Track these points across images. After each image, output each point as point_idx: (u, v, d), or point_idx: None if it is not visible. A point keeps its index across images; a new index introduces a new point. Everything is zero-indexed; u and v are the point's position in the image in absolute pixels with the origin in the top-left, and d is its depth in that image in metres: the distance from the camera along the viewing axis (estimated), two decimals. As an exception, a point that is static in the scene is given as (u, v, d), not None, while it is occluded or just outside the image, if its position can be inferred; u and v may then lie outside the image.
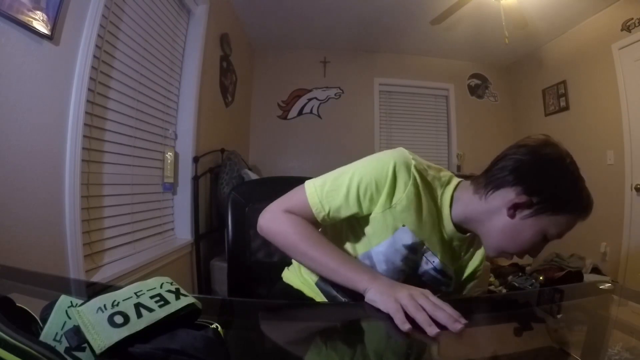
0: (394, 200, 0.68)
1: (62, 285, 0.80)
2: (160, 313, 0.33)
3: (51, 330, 0.32)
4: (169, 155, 1.94)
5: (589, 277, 2.63)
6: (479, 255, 0.81)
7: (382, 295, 0.56)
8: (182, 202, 2.09)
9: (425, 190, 0.70)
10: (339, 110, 3.81)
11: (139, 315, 0.32)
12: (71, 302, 0.34)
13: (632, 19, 2.58)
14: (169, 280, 0.38)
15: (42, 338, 0.31)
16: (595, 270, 2.79)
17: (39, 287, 0.66)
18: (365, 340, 0.55)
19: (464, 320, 0.50)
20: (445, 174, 0.76)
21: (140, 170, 1.72)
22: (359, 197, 0.67)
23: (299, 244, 0.66)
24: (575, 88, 3.20)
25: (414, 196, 0.68)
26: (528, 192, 0.65)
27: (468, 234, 0.75)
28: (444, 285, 0.76)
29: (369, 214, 0.70)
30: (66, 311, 0.33)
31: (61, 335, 0.32)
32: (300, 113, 3.83)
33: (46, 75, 1.08)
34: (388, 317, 0.52)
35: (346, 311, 0.66)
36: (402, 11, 2.96)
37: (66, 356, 0.29)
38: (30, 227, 1.03)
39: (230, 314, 0.60)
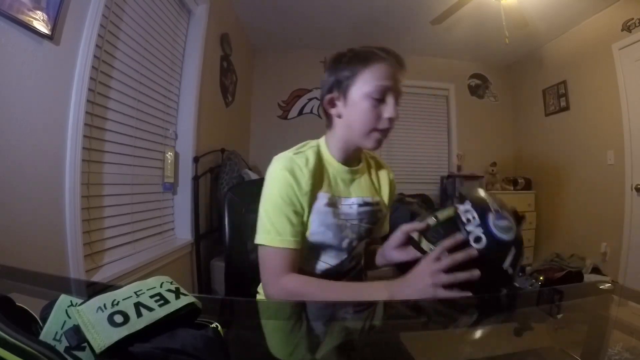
0: (304, 188, 0.77)
1: (62, 285, 0.80)
2: (160, 312, 0.33)
3: (51, 330, 0.32)
4: (169, 155, 1.94)
5: (589, 277, 2.63)
6: (384, 176, 0.93)
7: (414, 289, 0.62)
8: (182, 202, 2.09)
9: (314, 159, 0.81)
10: (339, 110, 3.81)
11: (139, 314, 0.32)
12: (71, 301, 0.34)
13: (633, 19, 2.58)
14: (169, 279, 0.38)
15: (42, 337, 0.31)
16: (596, 270, 2.79)
17: (39, 287, 0.66)
18: (365, 340, 0.55)
19: (474, 251, 0.59)
20: (309, 141, 0.88)
21: (141, 170, 1.72)
22: (292, 209, 0.76)
23: (317, 297, 0.72)
24: (575, 88, 3.20)
25: (313, 170, 0.78)
26: (329, 92, 0.81)
27: (359, 165, 0.87)
28: (379, 211, 0.87)
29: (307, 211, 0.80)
30: (66, 310, 0.33)
31: (61, 335, 0.31)
32: (300, 113, 3.83)
33: (46, 75, 1.08)
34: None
35: (346, 311, 0.66)
36: (402, 11, 2.96)
37: (66, 356, 0.29)
38: (30, 227, 1.03)
39: (230, 314, 0.60)
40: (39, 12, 1.01)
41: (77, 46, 1.19)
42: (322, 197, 0.79)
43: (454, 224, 0.65)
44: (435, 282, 0.59)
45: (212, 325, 0.36)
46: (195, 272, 2.17)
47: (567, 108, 3.28)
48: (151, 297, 0.34)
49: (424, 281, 0.61)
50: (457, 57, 4.01)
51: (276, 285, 0.74)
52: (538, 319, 0.65)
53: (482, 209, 0.64)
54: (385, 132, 0.79)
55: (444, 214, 0.69)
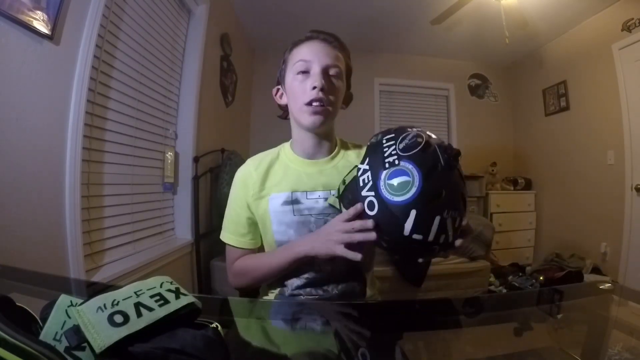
0: (251, 190, 0.83)
1: (62, 285, 0.80)
2: (160, 312, 0.33)
3: (51, 330, 0.32)
4: (169, 155, 1.94)
5: (589, 277, 2.64)
6: (351, 155, 0.90)
7: (320, 248, 0.68)
8: (182, 202, 2.09)
9: (268, 161, 0.86)
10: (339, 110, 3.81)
11: (139, 314, 0.32)
12: (71, 301, 0.34)
13: (632, 19, 2.58)
14: (169, 279, 0.38)
15: (42, 337, 0.31)
16: (596, 270, 2.79)
17: (39, 287, 0.66)
18: (365, 339, 0.55)
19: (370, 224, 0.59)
20: (276, 147, 0.93)
21: (141, 170, 1.72)
22: (242, 210, 0.85)
23: (258, 276, 0.82)
24: (575, 88, 3.20)
25: (263, 173, 0.84)
26: (276, 84, 0.89)
27: (326, 156, 0.87)
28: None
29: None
30: (66, 310, 0.33)
31: (61, 335, 0.32)
32: (300, 113, 3.82)
33: (46, 75, 1.08)
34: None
35: (346, 311, 0.66)
36: (402, 11, 2.96)
37: (66, 355, 0.29)
38: (30, 227, 1.03)
39: (230, 314, 0.60)
40: (39, 12, 1.01)
41: (77, 46, 1.19)
42: (277, 198, 0.81)
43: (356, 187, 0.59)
44: (335, 239, 0.64)
45: (212, 325, 0.36)
46: (195, 272, 2.17)
47: (567, 108, 3.28)
48: (151, 297, 0.34)
49: (328, 236, 0.66)
50: (457, 57, 4.01)
51: (230, 273, 0.85)
52: (538, 319, 0.65)
53: (375, 164, 0.55)
54: (316, 104, 0.77)
55: (348, 176, 0.65)
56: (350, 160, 0.87)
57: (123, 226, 1.56)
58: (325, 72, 0.78)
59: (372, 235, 0.58)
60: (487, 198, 3.64)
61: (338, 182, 0.79)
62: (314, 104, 0.77)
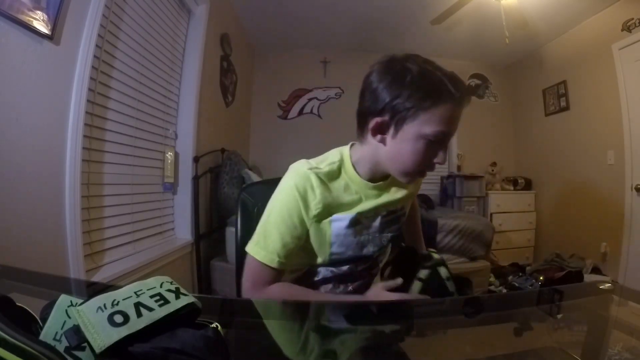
0: (313, 211, 0.73)
1: (62, 285, 0.80)
2: (160, 312, 0.33)
3: (51, 330, 0.32)
4: (169, 155, 1.94)
5: (589, 277, 2.63)
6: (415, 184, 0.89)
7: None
8: (182, 202, 2.09)
9: (330, 178, 0.75)
10: (340, 110, 3.80)
11: (139, 314, 0.32)
12: (71, 301, 0.34)
13: (632, 19, 2.58)
14: (169, 279, 0.38)
15: (42, 337, 0.31)
16: (596, 270, 2.79)
17: (39, 287, 0.66)
18: (365, 339, 0.55)
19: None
20: (335, 153, 0.81)
21: (141, 170, 1.72)
22: (290, 229, 0.73)
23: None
24: (575, 88, 3.20)
25: (326, 191, 0.74)
26: (378, 114, 0.68)
27: (387, 179, 0.80)
28: (402, 215, 0.86)
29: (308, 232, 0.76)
30: (66, 310, 0.33)
31: (61, 335, 0.32)
32: (300, 113, 3.82)
33: (46, 75, 1.08)
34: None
35: (347, 311, 0.66)
36: (402, 11, 2.96)
37: (66, 356, 0.29)
38: (30, 227, 1.03)
39: (230, 314, 0.60)
40: (39, 12, 1.01)
41: (77, 46, 1.19)
42: (342, 219, 0.75)
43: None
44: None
45: (212, 325, 0.36)
46: (195, 272, 2.17)
47: (567, 108, 3.28)
48: (151, 297, 0.34)
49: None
50: (457, 57, 4.01)
51: (256, 293, 0.73)
52: (538, 319, 0.65)
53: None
54: (425, 174, 0.76)
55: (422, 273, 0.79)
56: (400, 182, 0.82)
57: (123, 226, 1.56)
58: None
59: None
60: (487, 198, 3.64)
61: (394, 200, 0.82)
62: (424, 173, 0.74)
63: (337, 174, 0.77)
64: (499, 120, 4.13)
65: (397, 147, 0.70)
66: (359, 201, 0.77)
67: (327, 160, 0.79)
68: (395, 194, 0.82)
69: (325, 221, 0.74)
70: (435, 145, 0.69)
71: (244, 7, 2.92)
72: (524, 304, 0.75)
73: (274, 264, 0.72)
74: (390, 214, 0.82)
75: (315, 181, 0.73)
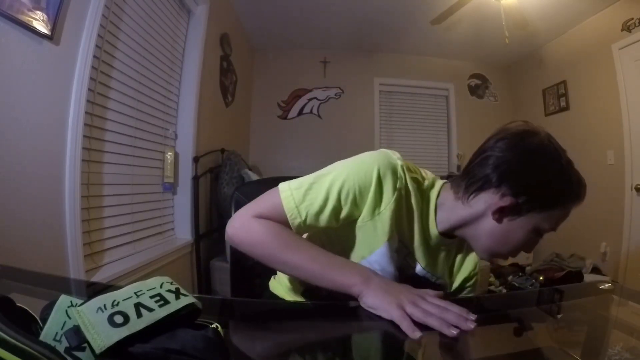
0: (382, 206, 0.63)
1: (62, 285, 0.80)
2: (160, 313, 0.33)
3: (51, 330, 0.32)
4: (169, 155, 1.94)
5: (589, 277, 2.63)
6: (471, 260, 0.76)
7: (382, 302, 0.52)
8: (182, 202, 2.09)
9: (412, 193, 0.66)
10: (339, 110, 3.80)
11: (139, 315, 0.32)
12: (71, 301, 0.34)
13: (632, 19, 2.58)
14: (169, 280, 0.38)
15: (42, 338, 0.31)
16: (595, 270, 2.79)
17: (39, 287, 0.66)
18: (366, 341, 0.55)
19: (473, 316, 0.49)
20: (429, 175, 0.72)
21: (140, 170, 1.72)
22: (341, 203, 0.62)
23: (278, 252, 0.59)
24: (575, 88, 3.20)
25: (403, 199, 0.64)
26: (513, 193, 0.60)
27: (454, 239, 0.71)
28: (437, 285, 0.72)
29: (353, 223, 0.65)
30: (66, 311, 0.33)
31: (61, 335, 0.31)
32: (300, 113, 3.82)
33: (46, 75, 1.08)
34: (391, 323, 0.50)
35: (348, 311, 0.66)
36: (402, 11, 2.96)
37: (66, 356, 0.29)
38: (30, 227, 1.03)
39: (230, 314, 0.60)
40: (38, 12, 1.01)
41: (77, 46, 1.19)
42: (388, 246, 0.65)
43: None
44: (409, 311, 0.50)
45: (212, 326, 0.36)
46: (195, 272, 2.17)
47: (567, 108, 3.28)
48: (151, 297, 0.34)
49: (399, 297, 0.52)
50: (457, 57, 4.01)
51: (246, 218, 0.61)
52: (538, 319, 0.65)
53: None
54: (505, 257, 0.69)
55: None
56: (467, 259, 0.76)
57: (123, 226, 1.56)
58: None
59: (469, 326, 0.47)
60: (487, 198, 3.64)
61: (440, 268, 0.72)
62: (510, 257, 0.69)
63: (422, 193, 0.68)
64: (499, 120, 4.10)
65: (509, 230, 0.63)
66: (417, 237, 0.68)
67: (420, 172, 0.71)
68: (447, 259, 0.73)
69: (382, 229, 0.64)
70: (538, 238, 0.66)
71: (244, 7, 2.92)
72: (524, 304, 0.75)
73: (294, 222, 0.61)
74: (422, 279, 0.70)
75: (402, 176, 0.64)
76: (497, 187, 0.61)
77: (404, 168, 0.65)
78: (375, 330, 0.57)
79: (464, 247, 0.76)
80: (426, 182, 0.69)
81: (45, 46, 1.06)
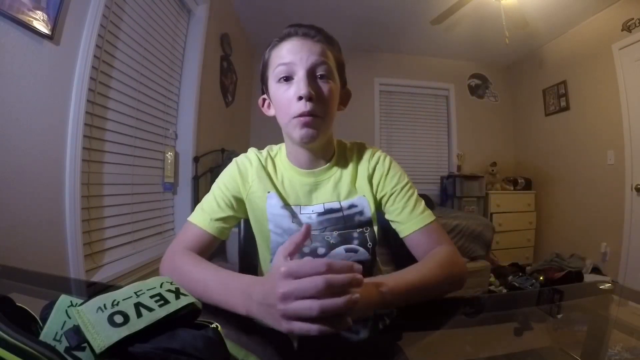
0: (249, 182, 0.75)
1: (62, 285, 0.80)
2: (160, 312, 0.33)
3: (51, 330, 0.32)
4: (169, 155, 1.94)
5: (589, 277, 2.64)
6: (364, 163, 0.78)
7: (267, 320, 0.45)
8: (182, 202, 2.09)
9: (267, 163, 0.78)
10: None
11: (139, 314, 0.32)
12: (71, 301, 0.34)
13: (632, 19, 2.58)
14: (169, 279, 0.38)
15: (42, 338, 0.31)
16: (595, 270, 2.79)
17: (39, 287, 0.66)
18: (366, 339, 0.55)
19: (357, 270, 0.41)
20: (276, 145, 0.83)
21: (141, 170, 1.72)
22: (224, 197, 0.74)
23: (184, 284, 0.55)
24: (575, 88, 3.20)
25: (263, 171, 0.76)
26: (262, 93, 0.78)
27: (327, 165, 0.76)
28: (355, 214, 0.75)
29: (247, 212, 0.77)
30: (66, 311, 0.33)
31: (61, 335, 0.32)
32: (300, 113, 3.82)
33: (46, 75, 1.08)
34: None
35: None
36: (402, 11, 2.96)
37: (66, 356, 0.29)
38: (30, 227, 1.03)
39: (230, 314, 0.60)
40: (39, 12, 1.01)
41: (77, 46, 1.19)
42: (274, 197, 0.74)
43: None
44: (282, 313, 0.41)
45: (212, 326, 0.36)
46: (195, 272, 2.16)
47: (567, 108, 3.28)
48: (151, 297, 0.34)
49: (272, 304, 0.42)
50: (457, 57, 4.01)
51: (170, 260, 0.66)
52: (538, 319, 0.65)
53: None
54: (306, 117, 0.65)
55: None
56: (360, 170, 0.77)
57: (123, 226, 1.56)
58: (311, 74, 0.66)
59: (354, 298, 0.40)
60: (487, 198, 3.64)
61: (333, 194, 0.75)
62: (302, 117, 0.65)
63: (269, 161, 0.79)
64: (499, 120, 4.14)
65: (274, 107, 0.73)
66: (292, 191, 0.76)
67: (271, 147, 0.83)
68: (339, 183, 0.76)
69: (261, 196, 0.74)
70: (293, 82, 0.67)
71: (244, 7, 2.92)
72: (524, 304, 0.75)
73: (208, 227, 0.70)
74: (329, 212, 0.74)
75: (254, 160, 0.77)
76: (263, 106, 0.79)
77: (254, 152, 0.79)
78: (373, 329, 0.57)
79: (348, 163, 0.78)
80: (276, 149, 0.82)
81: (45, 46, 1.06)
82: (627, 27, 2.63)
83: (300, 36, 0.67)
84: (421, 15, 2.93)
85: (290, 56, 0.66)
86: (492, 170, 3.83)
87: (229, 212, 0.74)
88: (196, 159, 2.12)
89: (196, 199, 2.11)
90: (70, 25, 1.15)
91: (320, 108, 0.66)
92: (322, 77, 0.67)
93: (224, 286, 0.54)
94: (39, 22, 1.01)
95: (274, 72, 0.68)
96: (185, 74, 2.15)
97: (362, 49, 3.76)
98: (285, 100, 0.67)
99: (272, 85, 0.70)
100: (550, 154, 3.53)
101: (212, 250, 0.73)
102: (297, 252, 0.47)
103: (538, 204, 3.66)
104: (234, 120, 3.11)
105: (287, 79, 0.67)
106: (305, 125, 0.65)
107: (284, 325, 0.41)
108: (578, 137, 3.16)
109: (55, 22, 1.07)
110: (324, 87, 0.67)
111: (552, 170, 3.51)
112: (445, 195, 3.75)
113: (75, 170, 1.18)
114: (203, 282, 0.57)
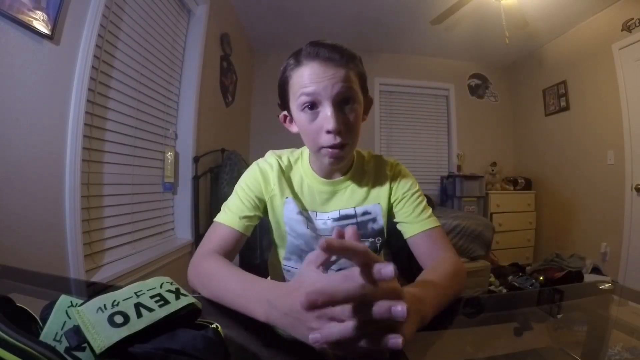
0: (271, 185, 0.77)
1: (62, 285, 0.80)
2: (160, 313, 0.33)
3: (51, 330, 0.32)
4: (169, 155, 1.94)
5: (589, 277, 2.64)
6: (382, 172, 0.80)
7: (291, 331, 0.43)
8: (182, 202, 2.09)
9: (288, 168, 0.80)
10: (339, 110, 3.81)
11: (139, 315, 0.32)
12: (71, 301, 0.34)
13: (632, 19, 2.58)
14: (169, 280, 0.38)
15: (42, 338, 0.31)
16: (596, 270, 2.79)
17: (39, 287, 0.66)
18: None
19: (401, 308, 0.34)
20: (298, 150, 0.85)
21: (141, 170, 1.72)
22: (248, 198, 0.76)
23: (206, 292, 0.59)
24: (575, 88, 3.20)
25: (282, 176, 0.78)
26: (281, 108, 0.76)
27: (346, 175, 0.78)
28: (368, 221, 0.78)
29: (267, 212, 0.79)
30: (66, 311, 0.33)
31: (61, 335, 0.32)
32: (300, 113, 3.82)
33: (46, 75, 1.08)
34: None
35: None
36: (402, 11, 2.96)
37: (66, 356, 0.29)
38: (30, 227, 1.03)
39: (230, 314, 0.60)
40: (39, 12, 1.01)
41: (77, 46, 1.19)
42: (291, 203, 0.77)
43: None
44: (308, 326, 0.39)
45: (213, 326, 0.36)
46: (195, 272, 2.17)
47: (567, 108, 3.28)
48: (151, 297, 0.34)
49: (297, 316, 0.40)
50: (457, 57, 4.01)
51: (196, 264, 0.65)
52: (538, 319, 0.65)
53: None
54: (336, 149, 0.65)
55: None
56: (377, 179, 0.79)
57: (123, 226, 1.56)
58: (337, 104, 0.64)
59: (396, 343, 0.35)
60: (487, 198, 3.64)
61: (349, 201, 0.78)
62: (332, 150, 0.65)
63: (291, 165, 0.81)
64: (499, 120, 4.14)
65: (299, 130, 0.71)
66: (311, 197, 0.79)
67: (291, 151, 0.84)
68: (355, 191, 0.79)
69: (280, 200, 0.77)
70: (318, 112, 0.65)
71: (244, 7, 2.92)
72: (524, 304, 0.75)
73: (235, 224, 0.72)
74: (344, 218, 0.78)
75: (275, 164, 0.78)
76: (285, 122, 0.77)
77: (276, 157, 0.81)
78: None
79: (365, 173, 0.81)
80: (296, 153, 0.84)
81: (45, 46, 1.06)
82: (627, 27, 2.63)
83: (322, 60, 0.64)
84: (421, 15, 2.93)
85: (314, 86, 0.63)
86: (492, 170, 3.83)
87: (254, 212, 0.77)
88: (196, 159, 2.12)
89: (196, 199, 2.11)
90: (70, 25, 1.15)
91: (349, 136, 0.66)
92: (347, 101, 0.66)
93: (244, 291, 0.53)
94: (39, 22, 1.01)
95: (297, 100, 0.65)
96: (185, 74, 2.15)
97: (362, 48, 3.76)
98: (312, 131, 0.66)
99: (296, 111, 0.68)
100: (550, 154, 3.53)
101: (240, 247, 0.74)
102: (327, 261, 0.43)
103: (538, 204, 3.66)
104: (234, 120, 3.11)
105: (312, 106, 0.65)
106: (335, 156, 0.67)
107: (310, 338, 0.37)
108: (578, 137, 3.16)
109: (55, 22, 1.07)
110: (351, 115, 0.66)
111: (552, 170, 3.51)
112: (445, 195, 3.75)
113: (75, 170, 1.18)
114: (224, 286, 0.57)
